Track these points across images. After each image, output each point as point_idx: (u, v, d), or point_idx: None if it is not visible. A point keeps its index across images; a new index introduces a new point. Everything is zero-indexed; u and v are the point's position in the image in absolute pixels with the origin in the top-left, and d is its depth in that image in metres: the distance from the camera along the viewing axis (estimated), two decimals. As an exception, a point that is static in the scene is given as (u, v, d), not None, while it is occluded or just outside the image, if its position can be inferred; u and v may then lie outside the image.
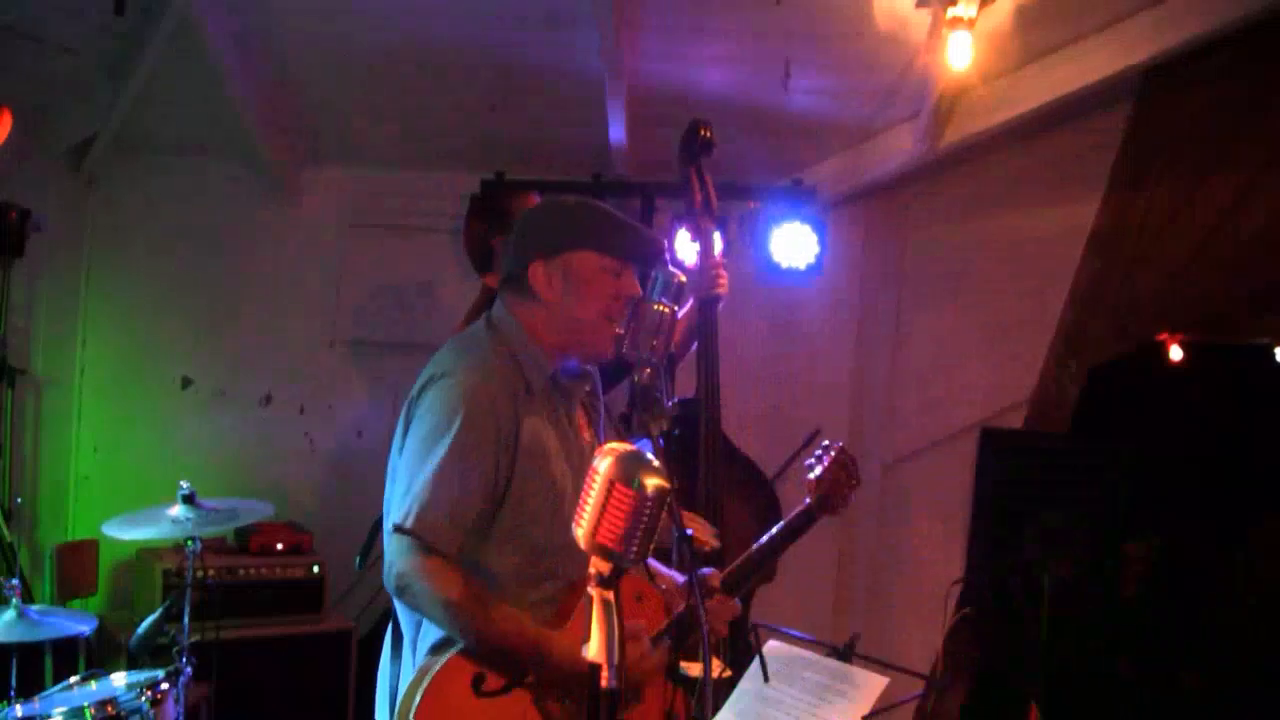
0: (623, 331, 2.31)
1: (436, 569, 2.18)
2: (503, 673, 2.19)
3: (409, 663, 2.31)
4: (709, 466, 3.47)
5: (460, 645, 2.21)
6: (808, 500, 2.79)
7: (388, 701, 2.37)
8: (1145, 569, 5.50)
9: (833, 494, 2.80)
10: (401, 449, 2.31)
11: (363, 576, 2.63)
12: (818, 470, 2.80)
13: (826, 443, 2.85)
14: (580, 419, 2.47)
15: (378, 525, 2.48)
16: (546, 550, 2.30)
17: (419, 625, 2.32)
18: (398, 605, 2.35)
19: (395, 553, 2.20)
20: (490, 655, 2.19)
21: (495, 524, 2.27)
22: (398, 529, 2.19)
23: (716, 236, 4.55)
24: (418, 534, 2.17)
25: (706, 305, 3.41)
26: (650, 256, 2.40)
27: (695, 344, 3.42)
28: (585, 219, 2.35)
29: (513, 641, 2.18)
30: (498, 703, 2.17)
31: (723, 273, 3.41)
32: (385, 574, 2.22)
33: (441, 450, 2.19)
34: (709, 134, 3.48)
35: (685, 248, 4.20)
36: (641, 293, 2.34)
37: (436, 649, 2.26)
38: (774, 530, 2.78)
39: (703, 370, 3.48)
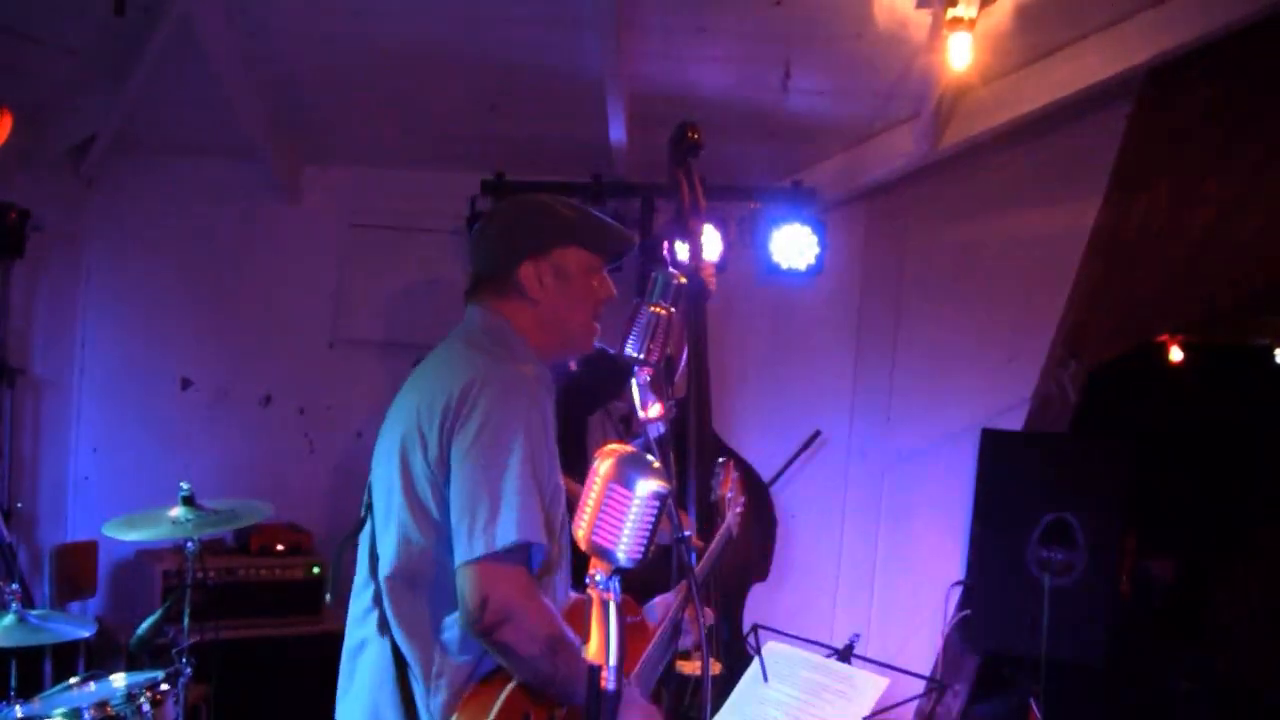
0: (600, 330, 2.32)
1: (540, 599, 2.04)
2: (546, 707, 2.09)
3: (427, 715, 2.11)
4: (700, 465, 3.48)
5: (512, 685, 2.05)
6: (725, 523, 2.76)
7: None
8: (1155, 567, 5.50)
9: (736, 509, 2.80)
10: (433, 461, 2.10)
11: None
12: (720, 490, 2.77)
13: (721, 460, 2.83)
14: None
15: (340, 553, 2.39)
16: (559, 559, 2.24)
17: (431, 677, 2.10)
18: (409, 651, 2.11)
19: (487, 582, 1.99)
20: (574, 695, 2.04)
21: None
22: (490, 554, 1.99)
23: (717, 236, 4.58)
24: (526, 545, 2.00)
25: (696, 304, 3.42)
26: (626, 255, 2.40)
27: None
28: (570, 216, 2.33)
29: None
30: None
31: (711, 271, 3.41)
32: (472, 611, 1.99)
33: (517, 456, 2.04)
34: (697, 136, 3.50)
35: (685, 250, 4.21)
36: (615, 294, 2.34)
37: (463, 692, 2.09)
38: (710, 554, 2.72)
39: (692, 370, 3.49)
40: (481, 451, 2.04)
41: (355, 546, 2.30)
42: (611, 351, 2.25)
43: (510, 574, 2.00)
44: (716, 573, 2.78)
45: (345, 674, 2.24)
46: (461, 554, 2.02)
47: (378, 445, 2.27)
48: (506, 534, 1.99)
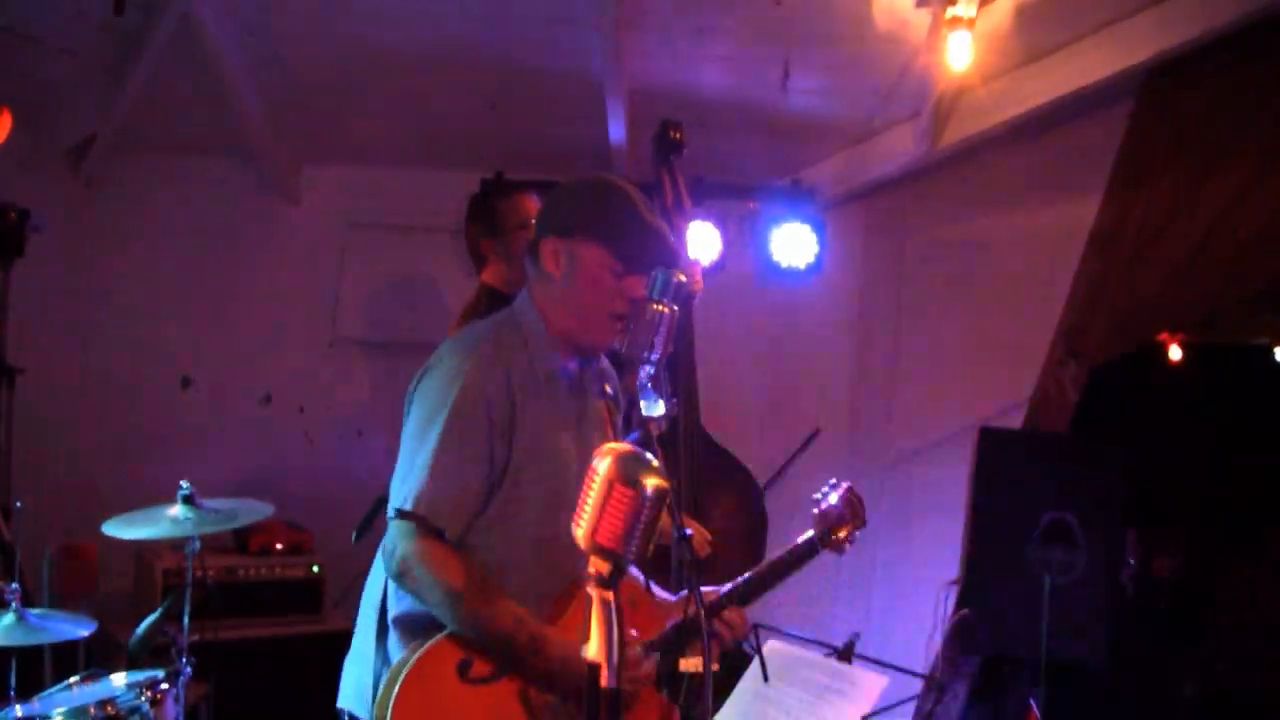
0: (624, 327, 2.32)
1: (440, 554, 2.20)
2: (493, 661, 2.20)
3: (395, 648, 2.32)
4: (690, 462, 3.49)
5: (448, 630, 2.21)
6: (812, 533, 2.68)
7: (370, 684, 2.36)
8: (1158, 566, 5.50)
9: (836, 529, 2.69)
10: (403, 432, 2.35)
11: (359, 581, 2.61)
12: (824, 505, 2.70)
13: (834, 480, 2.77)
14: (604, 414, 2.46)
15: (380, 501, 2.50)
16: (547, 544, 2.29)
17: (401, 607, 2.33)
18: (390, 589, 2.36)
19: (396, 537, 2.22)
20: (485, 645, 2.20)
21: (486, 512, 2.27)
22: (399, 513, 2.22)
23: (716, 235, 4.58)
24: (418, 516, 2.19)
25: (683, 303, 3.42)
26: (661, 262, 2.38)
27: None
28: (605, 211, 2.33)
29: (510, 635, 2.19)
30: (483, 690, 2.19)
31: (698, 271, 3.43)
32: (386, 559, 2.23)
33: (435, 435, 2.22)
34: (679, 134, 3.53)
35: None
36: (641, 296, 2.33)
37: (418, 632, 2.26)
38: (776, 557, 2.68)
39: (680, 368, 3.50)
40: (414, 424, 2.29)
41: None
42: (617, 347, 2.26)
43: (414, 532, 2.20)
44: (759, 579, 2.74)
45: (370, 575, 2.58)
46: (389, 509, 2.27)
47: None
48: (404, 501, 2.21)
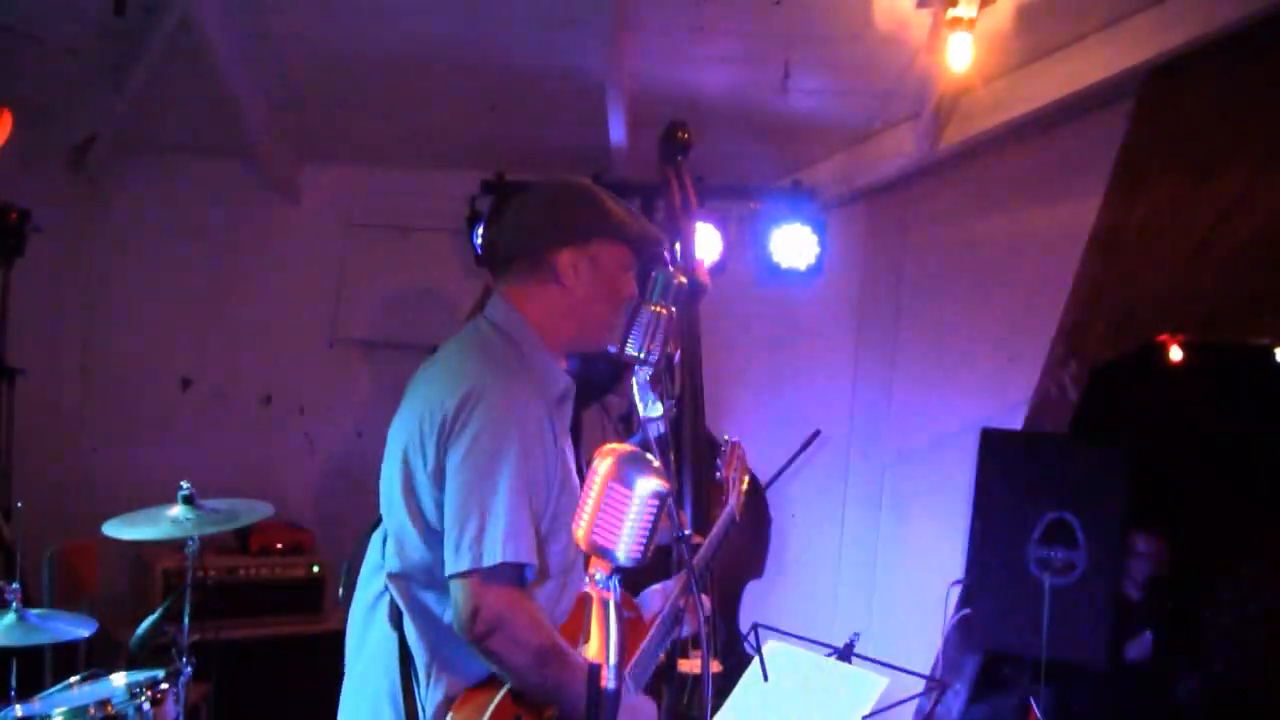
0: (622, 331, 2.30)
1: (530, 610, 2.06)
2: (538, 713, 2.11)
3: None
4: (695, 463, 3.49)
5: (501, 693, 2.08)
6: (731, 504, 2.72)
7: None
8: (1158, 566, 5.49)
9: (740, 487, 2.75)
10: (431, 473, 2.11)
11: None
12: (723, 473, 2.76)
13: (726, 438, 2.82)
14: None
15: (358, 550, 2.38)
16: (570, 564, 2.23)
17: (438, 694, 2.15)
18: (421, 676, 2.16)
19: (475, 593, 2.02)
20: (562, 701, 2.07)
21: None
22: (478, 569, 2.02)
23: (717, 236, 4.59)
24: (513, 564, 2.02)
25: (689, 301, 3.42)
26: (657, 258, 2.37)
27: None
28: (614, 210, 2.28)
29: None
30: None
31: (705, 270, 3.42)
32: (463, 621, 2.03)
33: (507, 473, 2.05)
34: (686, 135, 3.52)
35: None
36: (636, 295, 2.32)
37: (460, 691, 2.12)
38: (713, 533, 2.71)
39: (685, 369, 3.50)
40: (472, 466, 2.05)
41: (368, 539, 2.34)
42: (612, 350, 2.25)
43: (499, 587, 2.02)
44: (716, 562, 2.77)
45: (353, 655, 2.29)
46: (450, 565, 2.05)
47: (387, 444, 2.26)
48: (492, 553, 2.01)
